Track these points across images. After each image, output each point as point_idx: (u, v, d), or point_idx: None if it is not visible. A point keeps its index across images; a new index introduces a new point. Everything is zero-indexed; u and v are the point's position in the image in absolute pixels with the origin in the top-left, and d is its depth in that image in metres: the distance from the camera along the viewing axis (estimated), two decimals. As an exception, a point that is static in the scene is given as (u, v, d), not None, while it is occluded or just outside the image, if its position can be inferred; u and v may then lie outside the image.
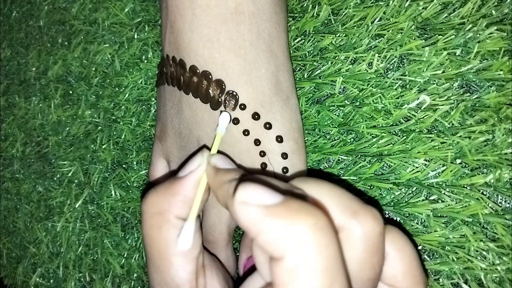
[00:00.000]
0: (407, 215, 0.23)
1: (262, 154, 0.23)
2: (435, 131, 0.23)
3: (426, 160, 0.23)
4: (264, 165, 0.23)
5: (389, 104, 0.24)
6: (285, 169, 0.23)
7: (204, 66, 0.23)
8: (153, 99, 0.32)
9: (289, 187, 0.16)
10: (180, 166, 0.24)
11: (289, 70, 0.24)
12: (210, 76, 0.22)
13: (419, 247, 0.23)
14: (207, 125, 0.23)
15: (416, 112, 0.23)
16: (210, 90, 0.23)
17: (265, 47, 0.23)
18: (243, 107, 0.22)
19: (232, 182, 0.17)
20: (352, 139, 0.25)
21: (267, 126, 0.23)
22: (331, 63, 0.26)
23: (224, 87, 0.22)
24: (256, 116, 0.22)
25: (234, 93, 0.22)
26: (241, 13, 0.22)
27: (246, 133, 0.23)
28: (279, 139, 0.23)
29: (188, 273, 0.19)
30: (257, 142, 0.23)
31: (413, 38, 0.24)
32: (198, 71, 0.23)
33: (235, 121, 0.23)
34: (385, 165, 0.24)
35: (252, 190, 0.14)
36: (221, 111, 0.22)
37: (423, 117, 0.23)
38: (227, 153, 0.23)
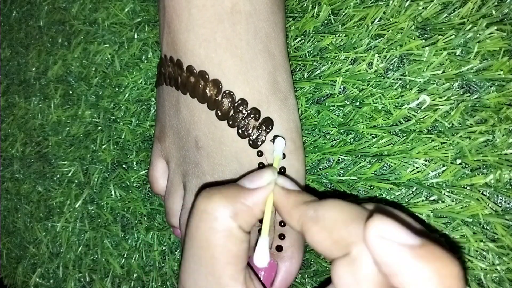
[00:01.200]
0: (407, 215, 0.23)
1: (260, 154, 0.23)
2: (435, 131, 0.23)
3: (426, 161, 0.23)
4: (261, 165, 0.23)
5: (389, 104, 0.24)
6: (283, 169, 0.23)
7: (201, 66, 0.23)
8: (153, 99, 0.32)
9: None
10: (236, 178, 0.23)
11: (287, 70, 0.24)
12: (207, 76, 0.22)
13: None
14: (204, 125, 0.23)
15: (416, 112, 0.23)
16: (207, 90, 0.23)
17: (262, 47, 0.23)
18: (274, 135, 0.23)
19: (310, 204, 0.17)
20: (352, 139, 0.25)
21: None
22: (331, 63, 0.26)
23: (220, 87, 0.22)
24: None
25: (231, 93, 0.22)
26: (237, 12, 0.22)
27: None
28: None
29: (241, 284, 0.19)
30: None
31: (413, 38, 0.24)
32: (195, 71, 0.23)
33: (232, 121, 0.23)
34: (385, 165, 0.24)
35: (392, 227, 0.14)
36: (275, 136, 0.23)
37: (423, 117, 0.23)
38: (225, 153, 0.23)
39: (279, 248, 0.23)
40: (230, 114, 0.23)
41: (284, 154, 0.23)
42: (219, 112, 0.23)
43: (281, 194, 0.19)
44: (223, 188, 0.19)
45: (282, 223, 0.23)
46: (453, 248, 0.22)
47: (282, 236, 0.23)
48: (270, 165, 0.22)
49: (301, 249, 0.24)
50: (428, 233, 0.17)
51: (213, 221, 0.18)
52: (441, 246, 0.14)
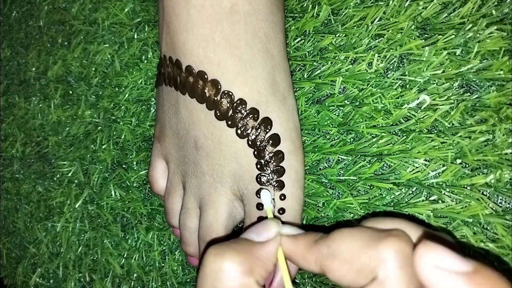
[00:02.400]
0: (407, 215, 0.23)
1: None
2: (435, 131, 0.23)
3: (426, 160, 0.23)
4: (259, 165, 0.23)
5: (389, 104, 0.24)
6: (282, 169, 0.23)
7: (200, 66, 0.23)
8: (153, 99, 0.32)
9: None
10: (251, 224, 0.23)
11: (286, 70, 0.24)
12: (206, 76, 0.22)
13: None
14: (203, 125, 0.23)
15: (416, 112, 0.23)
16: (205, 90, 0.23)
17: (261, 46, 0.23)
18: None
19: (321, 243, 0.17)
20: (352, 139, 0.25)
21: None
22: (331, 63, 0.26)
23: (219, 87, 0.22)
24: None
25: (230, 93, 0.22)
26: (236, 12, 0.22)
27: None
28: None
29: None
30: None
31: (413, 38, 0.24)
32: (193, 71, 0.23)
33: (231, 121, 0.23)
34: (385, 165, 0.24)
35: (444, 254, 0.14)
36: (259, 189, 0.23)
37: (423, 117, 0.23)
38: (224, 153, 0.23)
39: None
40: (229, 114, 0.23)
41: (274, 205, 0.23)
42: (218, 112, 0.23)
43: (289, 243, 0.19)
44: (233, 244, 0.19)
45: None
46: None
47: None
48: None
49: None
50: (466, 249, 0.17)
51: (230, 280, 0.17)
52: (492, 268, 0.14)
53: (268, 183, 0.23)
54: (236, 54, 0.22)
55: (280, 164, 0.23)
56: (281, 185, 0.23)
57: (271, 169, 0.23)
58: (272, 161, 0.23)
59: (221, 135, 0.23)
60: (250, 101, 0.23)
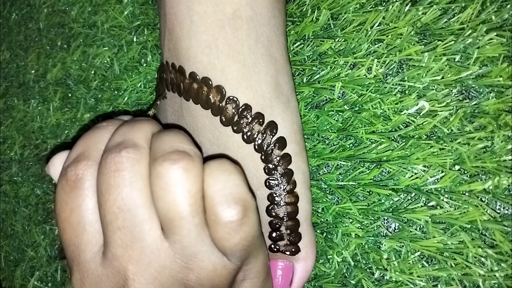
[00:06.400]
0: (406, 221, 0.23)
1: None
2: (434, 137, 0.23)
3: (425, 166, 0.23)
4: (267, 169, 0.23)
5: (388, 110, 0.24)
6: (291, 172, 0.23)
7: (204, 72, 0.23)
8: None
9: None
10: None
11: (289, 73, 0.24)
12: (210, 83, 0.22)
13: (418, 253, 0.23)
14: (208, 131, 0.23)
15: (415, 118, 0.23)
16: (210, 96, 0.23)
17: (264, 51, 0.23)
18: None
19: None
20: (351, 145, 0.25)
21: None
22: (330, 68, 0.26)
23: (224, 93, 0.22)
24: None
25: (235, 99, 0.22)
26: (239, 18, 0.22)
27: None
28: None
29: None
30: None
31: (413, 44, 0.24)
32: (197, 77, 0.23)
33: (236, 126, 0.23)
34: (384, 171, 0.24)
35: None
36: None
37: (422, 123, 0.23)
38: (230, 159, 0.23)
39: (295, 252, 0.23)
40: (235, 120, 0.23)
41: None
42: (223, 118, 0.23)
43: None
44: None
45: (290, 225, 0.23)
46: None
47: (296, 239, 0.23)
48: None
49: (315, 248, 0.24)
50: None
51: None
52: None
53: (278, 187, 0.23)
54: (240, 59, 0.22)
55: (288, 167, 0.23)
56: (291, 189, 0.23)
57: (280, 173, 0.23)
58: (280, 164, 0.23)
59: (227, 141, 0.23)
60: (255, 106, 0.23)
